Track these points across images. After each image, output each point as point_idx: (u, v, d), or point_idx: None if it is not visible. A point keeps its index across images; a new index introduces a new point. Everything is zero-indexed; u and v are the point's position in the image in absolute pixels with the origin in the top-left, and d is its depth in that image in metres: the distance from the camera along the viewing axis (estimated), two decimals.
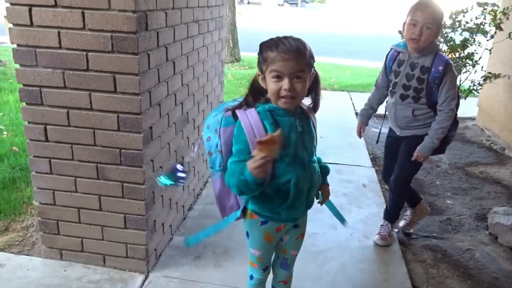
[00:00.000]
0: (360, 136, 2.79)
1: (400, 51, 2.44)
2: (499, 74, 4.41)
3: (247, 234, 1.69)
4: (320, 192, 1.72)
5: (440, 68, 2.29)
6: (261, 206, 1.58)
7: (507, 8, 4.23)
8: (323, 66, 9.29)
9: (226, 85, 6.81)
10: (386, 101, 2.63)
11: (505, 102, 4.80)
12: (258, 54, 1.46)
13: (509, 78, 4.47)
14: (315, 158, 1.60)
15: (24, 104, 2.06)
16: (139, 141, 2.03)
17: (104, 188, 2.14)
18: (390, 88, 2.49)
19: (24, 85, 2.01)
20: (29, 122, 2.08)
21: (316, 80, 1.55)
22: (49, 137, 2.09)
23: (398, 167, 2.65)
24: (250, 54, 10.13)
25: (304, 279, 2.33)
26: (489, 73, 4.51)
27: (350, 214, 3.09)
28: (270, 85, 1.43)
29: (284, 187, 1.49)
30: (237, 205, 1.67)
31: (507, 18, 4.22)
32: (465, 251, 2.76)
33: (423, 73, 2.33)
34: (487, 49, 4.59)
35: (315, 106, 1.62)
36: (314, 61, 1.49)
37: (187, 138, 2.80)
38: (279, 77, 1.40)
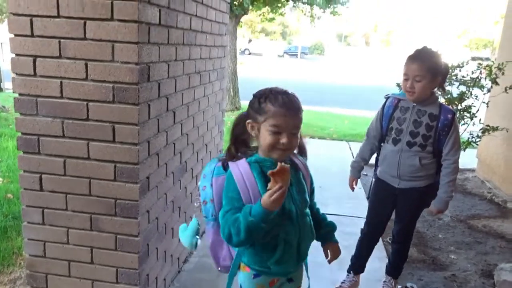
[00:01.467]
0: (352, 189, 2.73)
1: (401, 98, 2.41)
2: (497, 127, 4.44)
3: (241, 287, 1.64)
4: (328, 250, 1.69)
5: (449, 116, 2.29)
6: (251, 259, 1.56)
7: (502, 63, 4.34)
8: (322, 115, 9.42)
9: (226, 134, 6.85)
10: (380, 150, 2.55)
11: (504, 154, 4.80)
12: (255, 103, 1.46)
13: (507, 131, 4.50)
14: (307, 211, 1.57)
15: (21, 152, 2.03)
16: (136, 192, 1.99)
17: (97, 240, 2.07)
18: (393, 136, 2.41)
19: (22, 133, 2.00)
20: (24, 171, 2.05)
21: None
22: (44, 186, 2.05)
23: (403, 221, 2.59)
24: None
25: None
26: (487, 125, 4.55)
27: None
28: (266, 137, 1.43)
29: (272, 240, 1.48)
30: (230, 256, 1.64)
31: (503, 73, 4.31)
32: None
33: (431, 120, 2.31)
34: (484, 102, 4.66)
35: (302, 151, 1.61)
36: None
37: (185, 187, 2.75)
38: (277, 131, 1.41)
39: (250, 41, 43.65)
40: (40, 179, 2.04)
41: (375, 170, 2.63)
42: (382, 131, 2.50)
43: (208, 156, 3.28)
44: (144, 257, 2.14)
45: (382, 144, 2.53)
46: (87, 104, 1.91)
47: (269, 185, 1.33)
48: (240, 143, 1.52)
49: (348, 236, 3.48)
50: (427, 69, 2.23)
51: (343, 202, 4.21)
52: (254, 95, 1.49)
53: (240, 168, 1.47)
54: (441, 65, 2.30)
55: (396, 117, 2.41)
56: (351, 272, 2.75)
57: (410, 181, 2.41)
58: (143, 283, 2.16)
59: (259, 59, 31.37)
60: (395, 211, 2.62)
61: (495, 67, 4.40)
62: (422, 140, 2.33)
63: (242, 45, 41.00)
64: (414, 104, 2.35)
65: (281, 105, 1.40)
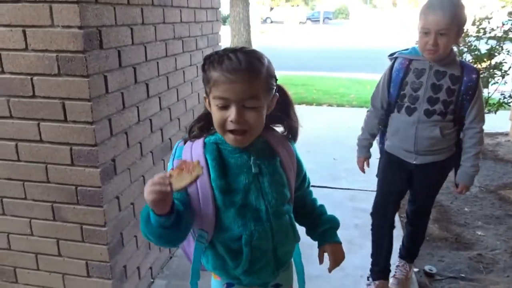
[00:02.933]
0: (363, 171, 2.29)
1: (413, 58, 1.97)
2: None
3: None
4: (326, 253, 1.35)
5: (474, 76, 1.91)
6: (214, 265, 1.25)
7: None
8: (342, 81, 8.94)
9: None
10: (388, 122, 2.11)
11: None
12: (202, 71, 1.14)
13: None
14: (285, 208, 1.24)
15: None
16: (96, 177, 1.74)
17: (62, 231, 1.86)
18: (406, 104, 1.98)
19: None
20: None
21: (285, 103, 1.23)
22: None
23: (419, 200, 2.23)
24: None
25: None
26: None
27: (361, 250, 2.67)
28: (215, 114, 1.11)
29: (236, 244, 1.17)
30: None
31: None
32: None
33: (453, 83, 1.91)
34: None
35: (292, 135, 1.27)
36: (275, 80, 1.16)
37: None
38: (224, 105, 1.08)
39: (271, 9, 42.45)
40: None
41: (381, 143, 2.25)
42: (391, 99, 2.06)
43: None
44: (117, 248, 1.92)
45: (391, 114, 2.09)
46: (31, 79, 1.65)
47: (168, 171, 1.02)
48: (208, 121, 1.19)
49: (360, 213, 3.17)
50: (453, 20, 1.80)
51: (357, 175, 3.85)
52: (203, 60, 1.15)
53: (192, 150, 1.17)
54: (465, 16, 1.88)
55: (410, 81, 1.97)
56: (370, 279, 2.32)
57: (429, 155, 2.03)
58: (118, 276, 1.95)
59: (281, 27, 30.45)
60: (410, 189, 2.25)
61: None
62: (442, 107, 1.92)
63: (263, 13, 39.96)
64: (430, 64, 1.92)
65: (222, 67, 1.06)
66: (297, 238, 1.30)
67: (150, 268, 2.31)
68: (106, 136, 1.77)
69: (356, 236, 2.85)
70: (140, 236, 2.14)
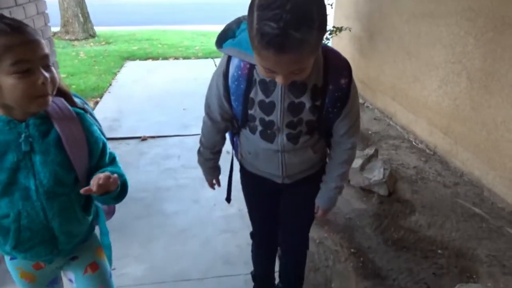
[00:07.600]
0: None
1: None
2: (341, 27, 4.67)
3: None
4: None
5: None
6: None
7: None
8: (186, 34, 9.00)
9: (77, 65, 6.16)
10: None
11: (351, 54, 5.15)
12: None
13: (350, 31, 4.77)
14: (65, 188, 1.17)
15: None
16: None
17: None
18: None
19: None
20: None
21: None
22: None
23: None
24: (107, 28, 9.36)
25: (167, 260, 2.26)
26: (334, 27, 4.75)
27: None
28: (14, 84, 1.02)
29: (5, 222, 1.14)
30: None
31: None
32: None
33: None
34: (329, 4, 4.81)
35: (63, 94, 1.19)
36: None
37: None
38: (25, 71, 1.02)
39: None
40: None
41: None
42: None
43: None
44: None
45: None
46: None
47: None
48: None
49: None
50: None
51: None
52: None
53: None
54: None
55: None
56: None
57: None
58: None
59: None
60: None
61: None
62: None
63: None
64: None
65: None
66: (86, 218, 1.26)
67: None
68: None
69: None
70: None
